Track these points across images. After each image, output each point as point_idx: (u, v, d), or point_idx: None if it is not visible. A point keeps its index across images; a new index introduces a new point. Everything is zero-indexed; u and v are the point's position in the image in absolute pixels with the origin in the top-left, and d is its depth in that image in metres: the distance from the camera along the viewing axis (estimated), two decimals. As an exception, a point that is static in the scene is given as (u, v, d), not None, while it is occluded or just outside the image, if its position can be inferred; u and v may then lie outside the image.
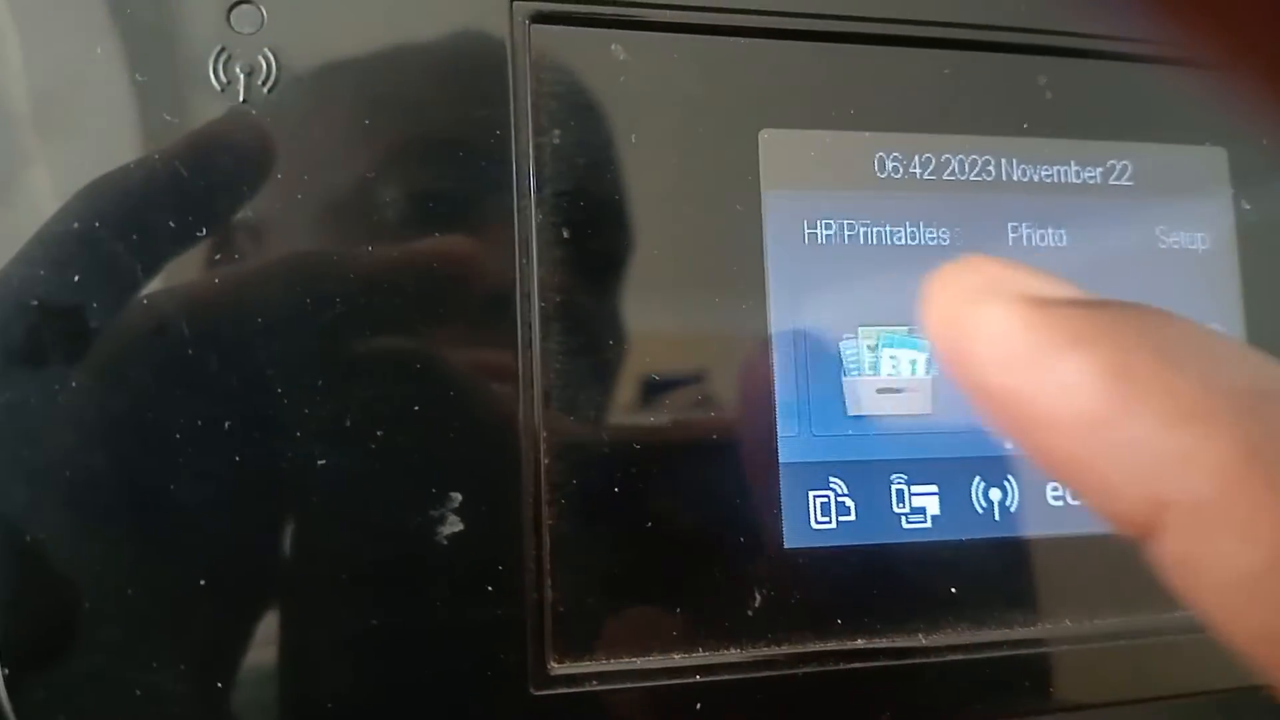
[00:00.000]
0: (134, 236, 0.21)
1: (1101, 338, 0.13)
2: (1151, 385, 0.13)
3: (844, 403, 0.24)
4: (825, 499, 0.24)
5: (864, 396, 0.24)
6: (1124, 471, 0.13)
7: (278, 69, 0.22)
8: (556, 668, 0.22)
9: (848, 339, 0.24)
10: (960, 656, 0.24)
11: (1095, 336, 0.13)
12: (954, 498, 0.25)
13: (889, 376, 0.25)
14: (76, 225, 0.21)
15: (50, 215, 0.21)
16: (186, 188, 0.21)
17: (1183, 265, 0.27)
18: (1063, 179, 0.26)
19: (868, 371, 0.24)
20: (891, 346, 0.25)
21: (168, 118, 0.21)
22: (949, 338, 0.15)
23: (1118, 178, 0.26)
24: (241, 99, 0.21)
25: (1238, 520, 0.12)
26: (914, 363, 0.25)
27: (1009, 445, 0.25)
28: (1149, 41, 0.25)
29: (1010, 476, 0.25)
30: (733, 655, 0.23)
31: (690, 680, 0.23)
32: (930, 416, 0.24)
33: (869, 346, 0.24)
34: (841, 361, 0.24)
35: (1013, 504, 0.25)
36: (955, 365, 0.15)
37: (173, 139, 0.21)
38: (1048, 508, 0.25)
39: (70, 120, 0.21)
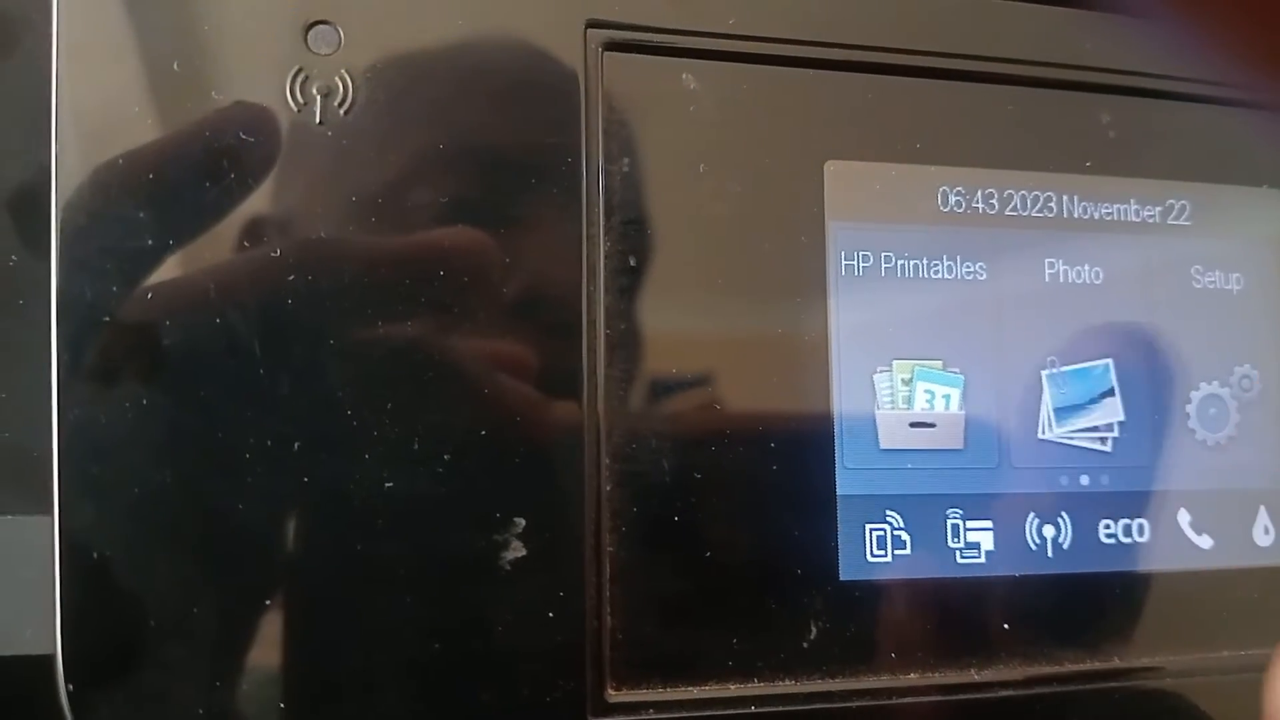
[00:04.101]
0: (207, 255, 0.21)
1: None
2: None
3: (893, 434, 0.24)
4: (882, 532, 0.24)
5: (898, 429, 0.24)
6: None
7: (354, 91, 0.22)
8: (615, 695, 0.22)
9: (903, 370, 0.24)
10: (1012, 692, 0.24)
11: None
12: (1008, 533, 0.25)
13: (923, 410, 0.25)
14: (150, 242, 0.21)
15: (124, 232, 0.21)
16: (262, 208, 0.21)
17: (1237, 306, 0.27)
18: (1123, 217, 0.26)
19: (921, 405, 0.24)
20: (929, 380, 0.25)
21: (244, 136, 0.21)
22: None
23: (1176, 217, 0.26)
24: (318, 120, 0.21)
25: None
26: (948, 397, 0.25)
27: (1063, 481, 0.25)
28: (1211, 83, 0.25)
29: (1064, 513, 0.25)
30: (788, 687, 0.23)
31: (746, 711, 0.23)
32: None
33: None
34: (905, 394, 0.24)
35: (1066, 541, 0.25)
36: None
37: (249, 159, 0.21)
38: (1100, 545, 0.25)
39: (145, 138, 0.21)
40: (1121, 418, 0.25)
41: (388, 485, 0.21)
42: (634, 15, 0.23)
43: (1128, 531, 0.25)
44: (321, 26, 0.22)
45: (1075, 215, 0.26)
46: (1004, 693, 0.24)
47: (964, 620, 0.24)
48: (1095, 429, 0.25)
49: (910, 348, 0.25)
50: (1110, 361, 0.25)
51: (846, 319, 0.24)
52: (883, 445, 0.24)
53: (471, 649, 0.21)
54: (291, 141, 0.21)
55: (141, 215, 0.21)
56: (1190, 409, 0.26)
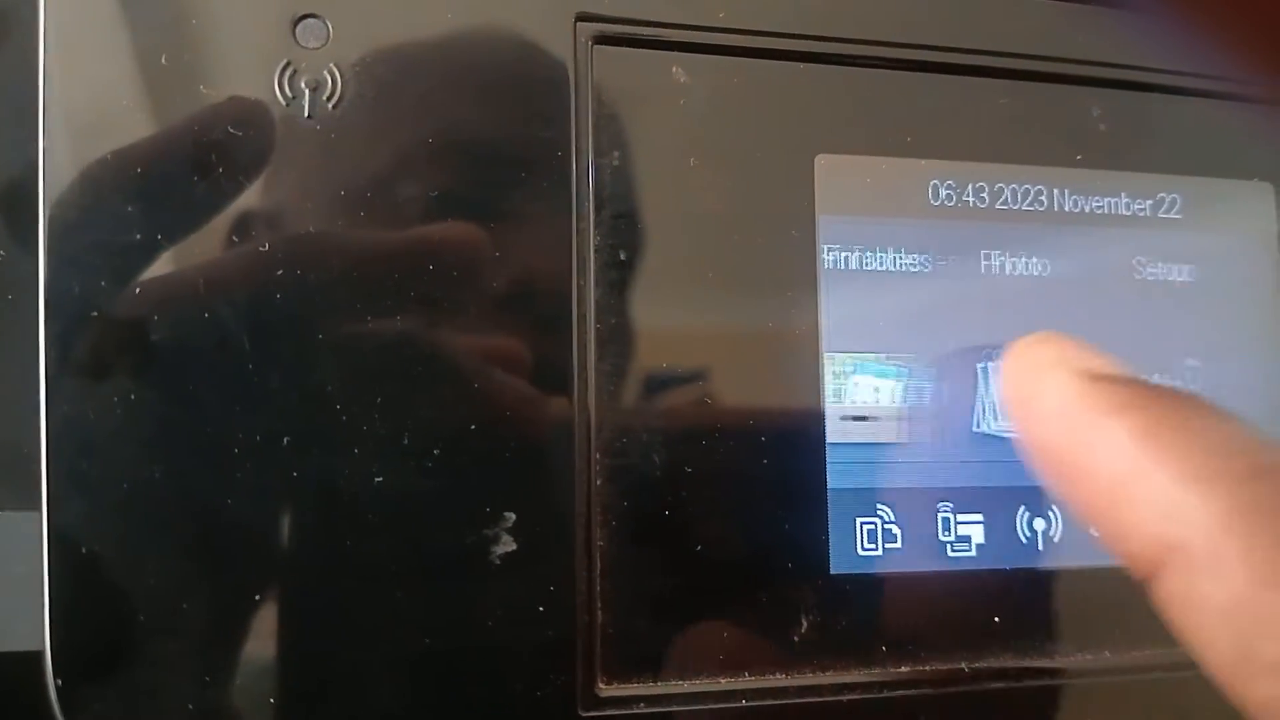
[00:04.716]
0: (196, 250, 0.21)
1: (1136, 409, 0.17)
2: (1169, 451, 0.16)
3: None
4: (872, 525, 0.24)
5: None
6: (1139, 518, 0.16)
7: (343, 85, 0.22)
8: (605, 690, 0.22)
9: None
10: (1002, 685, 0.24)
11: (1132, 407, 0.17)
12: (999, 527, 0.25)
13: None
14: (139, 237, 0.21)
15: (112, 227, 0.21)
16: (251, 203, 0.21)
17: (1227, 298, 0.27)
18: (1113, 210, 0.26)
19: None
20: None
21: (233, 131, 0.21)
22: (1019, 398, 0.18)
23: (1167, 210, 0.26)
24: (307, 114, 0.21)
25: (1219, 565, 0.15)
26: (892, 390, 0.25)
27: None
28: (1202, 76, 0.25)
29: (1054, 507, 0.25)
30: (779, 680, 0.23)
31: (737, 704, 0.23)
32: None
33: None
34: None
35: (1056, 534, 0.25)
36: (1021, 421, 0.18)
37: (238, 153, 0.21)
38: (1091, 538, 0.25)
39: (133, 132, 0.21)
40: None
41: (378, 480, 0.21)
42: (624, 8, 0.23)
43: (1118, 525, 0.25)
44: (310, 20, 0.22)
45: (1066, 209, 0.26)
46: (994, 685, 0.24)
47: (955, 613, 0.24)
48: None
49: (900, 341, 0.24)
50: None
51: (837, 313, 0.24)
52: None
53: (462, 644, 0.21)
54: (280, 136, 0.21)
55: (130, 210, 0.21)
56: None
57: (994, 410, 0.25)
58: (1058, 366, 0.18)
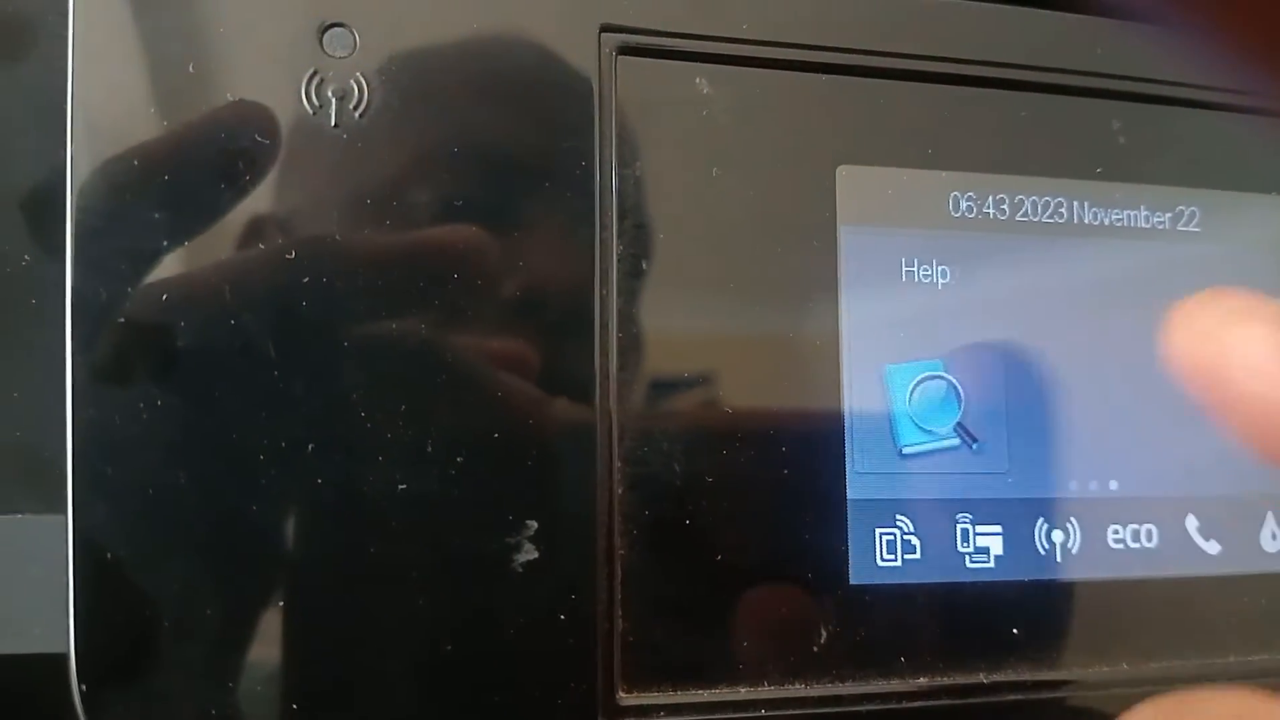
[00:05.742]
0: (222, 257, 0.21)
1: None
2: None
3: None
4: (891, 536, 0.24)
5: (908, 434, 0.24)
6: None
7: (369, 94, 0.22)
8: (625, 698, 0.22)
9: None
10: (1020, 696, 0.24)
11: None
12: (1017, 539, 0.25)
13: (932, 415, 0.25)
14: (165, 243, 0.21)
15: (139, 233, 0.21)
16: (277, 210, 0.21)
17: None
18: (1132, 223, 0.26)
19: (936, 410, 0.25)
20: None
21: (259, 139, 0.21)
22: (1207, 355, 0.16)
23: (1186, 223, 0.26)
24: (333, 123, 0.21)
25: None
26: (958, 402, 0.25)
27: (1091, 486, 0.25)
28: (1222, 89, 0.25)
29: (1073, 519, 0.25)
30: (798, 690, 0.23)
31: (756, 714, 0.23)
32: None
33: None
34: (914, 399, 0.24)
35: (1075, 546, 0.25)
36: (1212, 381, 0.16)
37: (264, 161, 0.21)
38: (1109, 551, 0.25)
39: (160, 140, 0.21)
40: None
41: (401, 487, 0.21)
42: (648, 20, 0.23)
43: (1136, 537, 0.25)
44: (337, 29, 0.22)
45: (1085, 221, 0.26)
46: (1012, 696, 0.24)
47: (973, 625, 0.24)
48: (1104, 434, 0.25)
49: (920, 352, 0.25)
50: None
51: (857, 323, 0.24)
52: (892, 450, 0.24)
53: (483, 650, 0.22)
54: (307, 144, 0.21)
55: (156, 216, 0.21)
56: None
57: (1013, 422, 0.25)
58: (1250, 316, 0.16)
